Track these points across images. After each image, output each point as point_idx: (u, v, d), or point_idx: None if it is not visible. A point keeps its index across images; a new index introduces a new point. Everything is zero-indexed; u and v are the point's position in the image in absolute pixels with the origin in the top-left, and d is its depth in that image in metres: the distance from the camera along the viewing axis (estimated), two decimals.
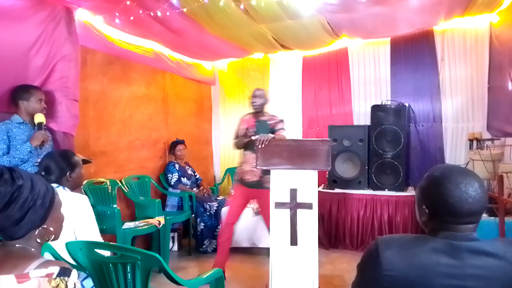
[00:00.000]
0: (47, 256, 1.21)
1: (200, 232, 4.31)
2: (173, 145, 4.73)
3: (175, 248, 4.46)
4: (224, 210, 4.33)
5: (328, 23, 3.99)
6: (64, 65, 2.97)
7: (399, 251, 1.17)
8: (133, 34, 3.99)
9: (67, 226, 1.46)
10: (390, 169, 4.27)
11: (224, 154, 6.08)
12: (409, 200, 4.13)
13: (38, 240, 1.13)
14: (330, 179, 4.48)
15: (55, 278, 1.00)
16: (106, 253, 1.80)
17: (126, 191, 3.97)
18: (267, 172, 3.15)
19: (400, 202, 4.16)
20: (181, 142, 4.76)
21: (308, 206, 2.79)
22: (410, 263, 1.14)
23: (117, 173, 3.99)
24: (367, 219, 4.25)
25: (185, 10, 3.35)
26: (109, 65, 3.89)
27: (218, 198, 4.60)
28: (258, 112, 3.55)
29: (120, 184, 3.93)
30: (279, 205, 2.84)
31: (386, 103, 4.51)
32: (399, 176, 4.22)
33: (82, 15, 3.33)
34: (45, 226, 1.13)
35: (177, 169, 4.60)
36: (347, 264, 3.82)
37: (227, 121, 6.08)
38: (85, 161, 2.42)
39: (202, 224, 4.32)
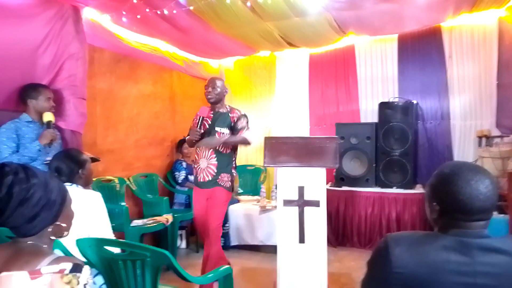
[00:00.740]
0: (58, 253, 1.23)
1: None
2: (180, 143, 4.75)
3: (183, 245, 4.48)
4: (232, 208, 4.35)
5: (335, 20, 3.98)
6: (71, 63, 2.98)
7: (409, 248, 1.17)
8: (140, 33, 4.01)
9: (79, 223, 1.48)
10: (397, 167, 4.24)
11: None
12: (417, 198, 4.11)
13: (51, 237, 1.14)
14: (338, 177, 4.46)
15: (67, 274, 1.01)
16: (116, 250, 1.81)
17: (134, 189, 3.99)
18: (223, 170, 3.02)
19: (408, 200, 4.14)
20: None
21: (315, 203, 2.79)
22: (420, 261, 1.14)
23: (125, 171, 4.02)
24: (374, 217, 4.24)
25: (191, 8, 3.36)
26: (116, 63, 3.91)
27: None
28: (215, 103, 3.11)
29: (128, 182, 3.96)
30: (287, 202, 2.84)
31: (393, 101, 4.49)
32: (406, 174, 4.20)
33: (89, 13, 3.34)
34: (57, 223, 1.15)
35: (185, 167, 4.62)
36: (355, 262, 3.81)
37: None
38: (93, 159, 2.43)
39: None
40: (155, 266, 1.62)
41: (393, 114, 4.28)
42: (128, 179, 4.01)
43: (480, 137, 4.16)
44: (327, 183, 4.47)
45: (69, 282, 1.00)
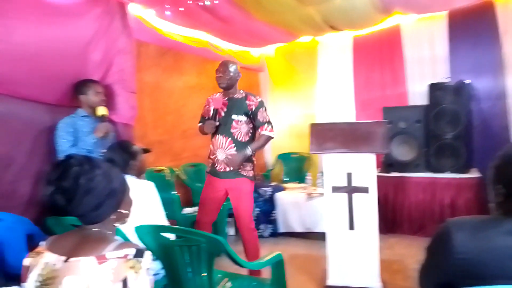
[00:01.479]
0: (119, 239, 1.29)
1: (255, 217, 4.37)
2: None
3: (232, 232, 4.57)
4: (278, 195, 4.37)
5: (379, 0, 3.82)
6: (120, 58, 3.08)
7: (472, 233, 1.12)
8: (183, 25, 4.08)
9: (135, 211, 1.54)
10: (450, 151, 4.05)
11: (275, 141, 6.01)
12: (472, 183, 3.92)
13: (115, 224, 1.20)
14: (386, 163, 4.34)
15: (131, 259, 1.06)
16: (171, 237, 1.88)
17: (183, 178, 4.11)
18: (245, 159, 2.87)
19: (463, 185, 3.96)
20: None
21: (365, 190, 2.74)
22: (484, 246, 1.09)
23: (173, 161, 4.15)
24: (426, 203, 4.09)
25: None
26: (161, 56, 4.02)
27: (271, 184, 4.64)
28: (227, 89, 2.91)
29: (178, 172, 4.08)
30: (335, 189, 2.81)
31: (444, 81, 4.26)
32: (460, 158, 4.01)
33: (134, 9, 3.44)
34: (120, 210, 1.21)
35: None
36: (407, 249, 3.71)
37: (276, 107, 6.06)
38: (145, 150, 2.52)
39: (257, 209, 4.37)
40: (210, 252, 1.67)
41: (444, 96, 4.08)
42: (177, 168, 4.13)
43: None
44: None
45: (133, 267, 1.05)
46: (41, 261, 1.10)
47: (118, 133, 3.08)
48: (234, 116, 2.86)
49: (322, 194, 4.06)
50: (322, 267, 3.16)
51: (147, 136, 3.77)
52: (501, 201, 1.16)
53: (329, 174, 2.85)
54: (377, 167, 4.43)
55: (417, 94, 4.75)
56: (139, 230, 1.79)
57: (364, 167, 2.75)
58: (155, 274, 2.10)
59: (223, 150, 2.86)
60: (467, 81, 4.17)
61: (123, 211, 1.23)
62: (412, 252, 3.60)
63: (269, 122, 2.90)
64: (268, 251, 2.10)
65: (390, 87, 4.96)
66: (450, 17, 4.50)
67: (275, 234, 4.34)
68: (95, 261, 1.04)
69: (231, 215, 4.48)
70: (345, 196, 2.78)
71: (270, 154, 6.13)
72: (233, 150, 2.84)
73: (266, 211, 4.37)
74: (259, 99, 2.93)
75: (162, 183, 3.83)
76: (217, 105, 2.87)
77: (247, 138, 2.90)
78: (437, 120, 4.08)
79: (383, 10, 4.12)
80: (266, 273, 2.42)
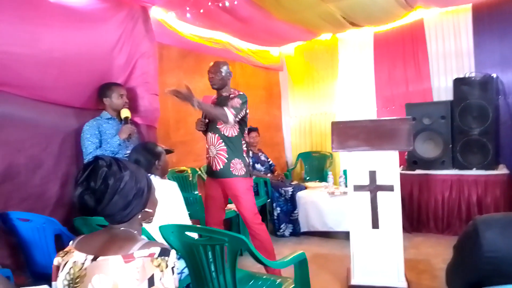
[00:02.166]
0: (145, 238, 1.32)
1: (277, 216, 4.38)
2: (247, 133, 4.82)
3: None
4: (299, 195, 4.35)
5: None
6: (143, 61, 3.13)
7: (502, 231, 1.09)
8: (203, 27, 4.12)
9: (159, 211, 1.57)
10: (477, 147, 3.94)
11: (296, 139, 6.07)
12: (501, 180, 3.80)
13: (141, 223, 1.23)
14: (410, 160, 4.26)
15: (157, 258, 1.08)
16: (194, 236, 1.90)
17: (205, 178, 4.15)
18: (234, 155, 2.87)
19: (490, 182, 3.84)
20: (255, 129, 4.83)
21: (389, 188, 2.70)
22: None
23: (196, 161, 4.19)
24: (453, 201, 3.99)
25: None
26: (183, 58, 4.07)
27: (292, 183, 4.63)
28: (219, 89, 2.99)
29: (200, 172, 4.12)
30: (357, 188, 2.79)
31: (470, 76, 4.15)
32: (488, 154, 3.89)
33: (156, 12, 3.50)
34: (146, 210, 1.23)
35: (251, 156, 4.70)
36: (433, 249, 3.63)
37: (296, 106, 6.05)
38: (168, 151, 2.56)
39: (278, 208, 4.37)
40: (233, 250, 1.68)
41: (470, 91, 3.97)
42: (199, 169, 4.18)
43: None
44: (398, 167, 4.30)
45: (158, 265, 1.07)
46: (70, 260, 1.13)
47: (141, 135, 3.14)
48: None
49: (344, 193, 4.03)
50: (345, 266, 3.13)
51: (170, 137, 3.82)
52: None
53: (352, 172, 2.82)
54: (401, 164, 4.37)
55: (442, 90, 4.65)
56: (163, 229, 1.81)
57: (388, 165, 2.71)
58: (179, 273, 2.13)
59: (214, 146, 2.92)
60: (494, 75, 4.04)
61: (149, 210, 1.25)
62: (439, 251, 3.52)
63: (235, 109, 2.80)
64: (290, 251, 2.10)
65: (413, 83, 4.86)
66: (474, 10, 4.38)
67: (296, 233, 4.32)
68: (121, 260, 1.07)
69: None
70: (368, 194, 2.74)
71: (290, 153, 6.12)
72: (222, 145, 2.88)
73: (287, 210, 4.36)
74: (241, 93, 2.94)
75: (184, 183, 3.89)
76: (206, 100, 2.95)
77: (235, 133, 2.91)
78: (463, 115, 3.98)
79: (406, 5, 4.04)
80: (287, 272, 2.41)
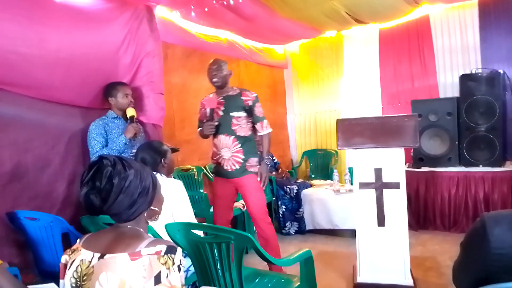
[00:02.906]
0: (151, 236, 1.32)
1: (282, 214, 4.38)
2: None
3: None
4: (304, 192, 4.35)
5: None
6: (148, 61, 3.14)
7: (510, 227, 1.08)
8: (207, 25, 4.12)
9: (165, 209, 1.58)
10: (484, 143, 3.91)
11: (300, 137, 6.07)
12: (508, 176, 3.77)
13: (147, 221, 1.24)
14: (416, 157, 4.24)
15: (163, 256, 1.09)
16: (200, 233, 1.91)
17: (211, 176, 4.16)
18: (250, 154, 2.87)
19: (497, 179, 3.81)
20: None
21: (395, 185, 2.69)
22: None
23: (201, 160, 4.20)
24: (459, 198, 3.96)
25: None
26: (187, 57, 4.07)
27: (297, 181, 4.63)
28: (221, 88, 2.91)
29: (205, 171, 4.13)
30: (363, 185, 2.78)
31: (476, 72, 4.11)
32: (495, 150, 3.86)
33: (160, 11, 3.50)
34: (152, 208, 1.24)
35: None
36: (439, 246, 3.61)
37: (301, 104, 6.04)
38: (173, 150, 2.56)
39: (283, 206, 4.37)
40: (239, 248, 1.68)
41: (477, 86, 3.94)
42: (205, 167, 4.19)
43: None
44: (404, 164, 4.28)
45: (165, 263, 1.08)
46: (78, 258, 1.14)
47: (147, 134, 3.15)
48: (233, 113, 2.85)
49: (349, 191, 4.02)
50: (351, 264, 3.13)
51: (175, 136, 3.84)
52: None
53: (357, 170, 2.81)
54: (407, 162, 4.35)
55: (448, 86, 4.62)
56: (170, 227, 1.82)
57: (394, 162, 2.70)
58: (185, 271, 2.14)
59: (229, 148, 2.86)
60: (500, 71, 4.00)
61: (155, 209, 1.26)
62: (445, 248, 3.51)
63: (264, 117, 2.93)
64: (295, 249, 2.10)
65: (419, 80, 4.84)
66: (481, 5, 4.35)
67: (301, 231, 4.32)
68: (127, 257, 1.07)
69: None
70: (374, 192, 2.73)
71: (295, 151, 6.12)
72: (238, 147, 2.85)
73: (292, 208, 4.37)
74: (254, 94, 2.91)
75: (190, 182, 3.90)
76: (212, 105, 2.85)
77: (249, 132, 2.91)
78: (470, 112, 3.95)
79: (412, 0, 4.02)
80: (293, 270, 2.42)
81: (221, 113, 2.88)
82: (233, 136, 2.85)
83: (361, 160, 2.79)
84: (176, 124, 3.87)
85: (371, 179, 2.74)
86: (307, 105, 5.96)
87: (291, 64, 6.05)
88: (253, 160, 2.90)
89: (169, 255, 1.09)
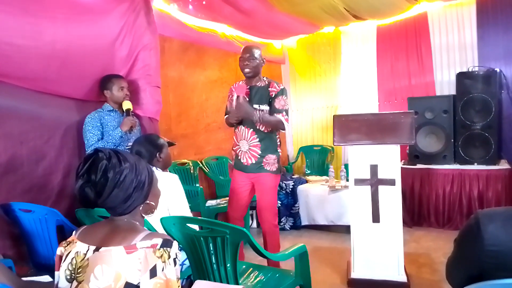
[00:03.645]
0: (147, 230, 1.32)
1: (277, 210, 4.38)
2: None
3: (254, 225, 4.60)
4: (300, 188, 4.36)
5: None
6: (145, 54, 3.11)
7: (504, 224, 1.09)
8: (205, 19, 4.09)
9: (160, 203, 1.57)
10: (479, 141, 3.93)
11: (297, 133, 6.07)
12: (502, 174, 3.80)
13: (143, 215, 1.23)
14: (411, 155, 4.26)
15: (159, 249, 1.08)
16: (196, 227, 1.91)
17: (207, 171, 4.16)
18: (268, 151, 2.80)
19: (492, 177, 3.84)
20: None
21: (391, 182, 2.70)
22: None
23: (197, 154, 4.20)
24: (454, 196, 3.99)
25: None
26: (184, 51, 4.06)
27: (293, 177, 4.63)
28: (253, 77, 2.80)
29: (201, 165, 4.13)
30: (358, 181, 2.78)
31: (473, 70, 4.12)
32: (490, 149, 3.88)
33: (158, 4, 3.47)
34: (148, 202, 1.23)
35: None
36: (433, 242, 3.64)
37: (298, 100, 6.03)
38: (169, 144, 2.55)
39: (279, 202, 4.37)
40: (234, 243, 1.68)
41: (473, 84, 3.95)
42: (201, 161, 4.19)
43: None
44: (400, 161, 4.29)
45: (161, 256, 1.08)
46: (73, 250, 1.14)
47: (143, 127, 3.14)
48: (256, 106, 2.75)
49: (345, 187, 4.03)
50: (345, 259, 3.15)
51: (172, 130, 3.83)
52: None
53: (353, 166, 2.81)
54: (403, 159, 4.36)
55: (445, 83, 4.63)
56: (165, 221, 1.82)
57: (390, 159, 2.70)
58: (180, 265, 2.14)
59: (247, 141, 2.81)
60: (497, 69, 4.02)
61: (151, 203, 1.25)
62: (439, 245, 3.53)
63: (286, 111, 2.79)
64: (290, 244, 2.10)
65: (416, 77, 4.84)
66: (479, 3, 4.34)
67: (297, 227, 4.33)
68: (123, 251, 1.07)
69: (253, 208, 4.53)
70: (369, 188, 2.74)
71: (291, 146, 6.12)
72: (256, 141, 2.79)
73: (288, 204, 4.37)
74: (282, 87, 2.82)
75: (186, 176, 3.90)
76: (240, 93, 2.72)
77: (270, 128, 2.80)
78: (466, 110, 3.96)
79: None
80: (287, 265, 2.43)
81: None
82: (252, 129, 2.77)
83: (357, 157, 2.79)
84: (172, 118, 3.86)
85: (367, 175, 2.75)
86: (304, 101, 5.95)
87: (289, 59, 6.03)
88: (271, 158, 2.82)
89: (165, 248, 1.09)
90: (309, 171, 5.49)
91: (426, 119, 4.14)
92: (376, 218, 2.74)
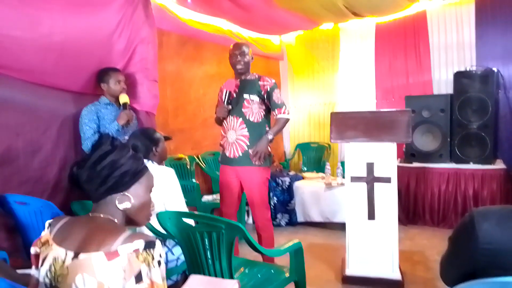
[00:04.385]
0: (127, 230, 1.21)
1: (273, 206, 4.39)
2: None
3: (250, 221, 4.60)
4: (296, 185, 4.37)
5: None
6: (143, 47, 3.10)
7: (499, 222, 1.09)
8: (203, 13, 4.08)
9: (157, 198, 1.56)
10: (475, 141, 3.95)
11: (294, 130, 6.07)
12: (498, 174, 3.81)
13: (118, 205, 1.14)
14: (408, 153, 4.27)
15: (142, 252, 1.01)
16: (191, 222, 1.91)
17: (203, 166, 4.16)
18: (255, 144, 2.72)
19: (487, 176, 3.85)
20: None
21: (386, 180, 2.71)
22: (510, 236, 1.06)
23: (194, 149, 4.20)
24: (449, 194, 4.01)
25: None
26: (182, 46, 4.04)
27: (289, 173, 4.64)
28: (244, 73, 2.81)
29: (197, 160, 4.13)
30: (354, 179, 2.79)
31: (471, 69, 4.13)
32: (486, 148, 3.90)
33: None
34: (126, 194, 1.15)
35: None
36: (428, 241, 3.66)
37: (296, 96, 6.03)
38: (166, 138, 2.54)
39: (275, 198, 4.38)
40: (230, 238, 1.68)
41: (471, 84, 3.96)
42: (197, 157, 4.18)
43: None
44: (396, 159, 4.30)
45: (144, 260, 1.01)
46: (50, 255, 1.07)
47: (140, 121, 3.12)
48: (245, 95, 2.73)
49: (341, 184, 4.04)
50: (340, 256, 3.16)
51: (168, 124, 3.82)
52: None
53: (350, 163, 2.82)
54: (399, 157, 4.37)
55: (442, 82, 4.65)
56: (161, 216, 1.82)
57: (386, 156, 2.71)
58: (176, 259, 2.14)
59: (235, 131, 2.75)
60: (494, 69, 4.03)
61: (129, 195, 1.16)
62: (434, 243, 3.55)
63: (284, 104, 2.81)
64: (286, 240, 2.11)
65: (414, 75, 4.85)
66: (478, 2, 4.35)
67: (292, 223, 4.34)
68: (104, 257, 1.00)
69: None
70: (365, 186, 2.75)
71: (288, 143, 6.12)
72: (245, 131, 2.73)
73: (284, 200, 4.38)
74: (273, 80, 2.82)
75: (182, 171, 3.90)
76: (229, 88, 2.74)
77: (259, 120, 2.76)
78: (463, 109, 3.97)
79: None
80: (282, 261, 2.44)
81: (235, 95, 2.78)
82: (241, 119, 2.73)
83: (354, 154, 2.80)
84: (169, 112, 3.85)
85: (363, 173, 2.76)
86: (301, 98, 5.95)
87: (287, 55, 6.02)
88: None
89: (147, 250, 1.02)
90: (305, 168, 5.50)
91: (423, 117, 4.15)
92: (371, 215, 2.75)
